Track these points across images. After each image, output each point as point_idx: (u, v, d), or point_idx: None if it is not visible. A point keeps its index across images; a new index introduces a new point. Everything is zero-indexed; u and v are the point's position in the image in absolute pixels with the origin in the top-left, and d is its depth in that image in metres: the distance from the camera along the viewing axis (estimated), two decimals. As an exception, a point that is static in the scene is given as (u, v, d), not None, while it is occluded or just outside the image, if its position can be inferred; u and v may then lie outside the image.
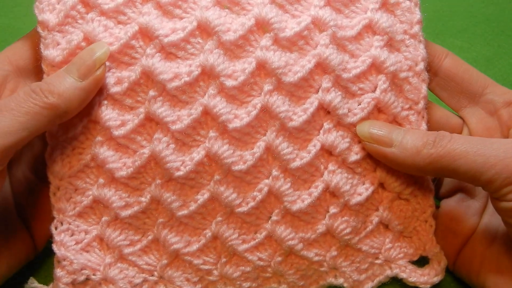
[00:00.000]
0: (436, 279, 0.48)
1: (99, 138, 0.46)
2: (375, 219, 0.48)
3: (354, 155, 0.47)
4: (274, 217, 0.47)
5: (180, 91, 0.45)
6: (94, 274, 0.47)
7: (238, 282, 0.49)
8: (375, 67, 0.47)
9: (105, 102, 0.45)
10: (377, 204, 0.49)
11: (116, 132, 0.45)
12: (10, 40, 0.72)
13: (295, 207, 0.47)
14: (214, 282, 0.49)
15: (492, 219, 0.48)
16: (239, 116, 0.45)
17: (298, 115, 0.46)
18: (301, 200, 0.47)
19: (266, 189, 0.46)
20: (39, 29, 0.45)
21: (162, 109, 0.45)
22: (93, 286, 0.48)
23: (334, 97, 0.46)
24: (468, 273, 0.48)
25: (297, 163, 0.46)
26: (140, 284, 0.49)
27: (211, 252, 0.48)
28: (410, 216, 0.49)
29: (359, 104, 0.47)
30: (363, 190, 0.48)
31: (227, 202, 0.46)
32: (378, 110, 0.48)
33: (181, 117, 0.45)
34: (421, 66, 0.48)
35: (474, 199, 0.49)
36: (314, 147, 0.47)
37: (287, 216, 0.47)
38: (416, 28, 0.48)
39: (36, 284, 0.48)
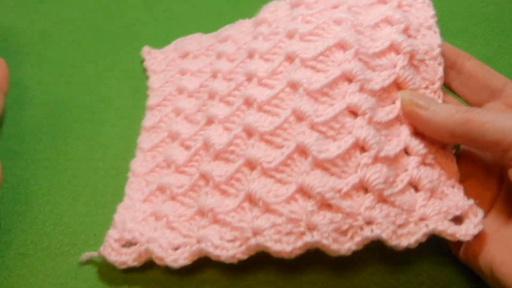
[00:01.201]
0: (475, 230, 0.47)
1: None
2: (405, 178, 0.48)
3: (379, 117, 0.49)
4: (303, 167, 0.48)
5: None
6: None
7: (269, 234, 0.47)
8: (394, 48, 0.51)
9: None
10: (405, 165, 0.49)
11: None
12: (10, 40, 0.72)
13: (323, 155, 0.48)
14: (248, 238, 0.48)
15: (504, 207, 0.49)
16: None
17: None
18: (329, 151, 0.48)
19: (293, 145, 0.49)
20: None
21: None
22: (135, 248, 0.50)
23: (355, 66, 0.50)
24: (475, 258, 0.48)
25: (322, 118, 0.49)
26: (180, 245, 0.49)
27: (244, 210, 0.49)
28: (437, 180, 0.49)
29: (380, 77, 0.50)
30: (389, 148, 0.49)
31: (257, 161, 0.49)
32: (397, 86, 0.51)
33: None
34: (437, 51, 0.51)
35: (486, 188, 0.50)
36: (339, 106, 0.49)
37: (316, 167, 0.48)
38: (431, 21, 0.53)
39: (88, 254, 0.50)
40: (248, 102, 0.53)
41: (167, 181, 0.54)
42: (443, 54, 0.52)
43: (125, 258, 0.49)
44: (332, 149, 0.48)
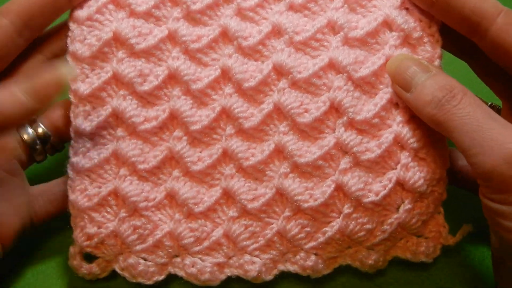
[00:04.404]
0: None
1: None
2: (393, 177, 0.48)
3: (364, 114, 0.48)
4: (282, 170, 0.48)
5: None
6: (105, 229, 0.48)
7: (245, 243, 0.49)
8: (387, 24, 0.49)
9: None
10: (395, 161, 0.49)
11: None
12: None
13: (303, 160, 0.48)
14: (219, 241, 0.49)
15: None
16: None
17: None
18: (310, 153, 0.48)
19: (272, 145, 0.48)
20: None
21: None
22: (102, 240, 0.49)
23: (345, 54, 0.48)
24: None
25: (305, 118, 0.48)
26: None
27: (221, 210, 0.50)
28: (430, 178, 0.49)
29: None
30: (375, 146, 0.48)
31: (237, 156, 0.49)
32: (395, 104, 0.49)
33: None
34: (434, 28, 0.49)
35: None
36: (323, 103, 0.48)
37: (295, 170, 0.48)
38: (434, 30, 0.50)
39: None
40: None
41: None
42: None
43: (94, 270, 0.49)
44: (314, 150, 0.48)
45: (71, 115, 0.48)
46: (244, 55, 0.50)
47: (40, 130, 0.49)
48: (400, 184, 0.49)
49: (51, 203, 0.50)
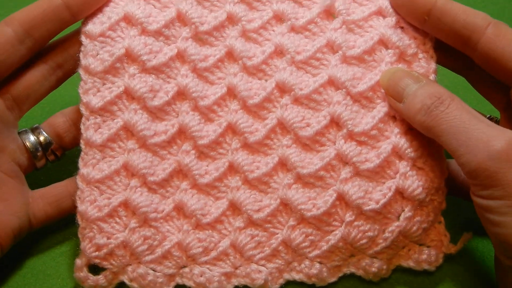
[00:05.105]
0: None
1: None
2: (392, 186, 0.50)
3: (363, 126, 0.50)
4: (286, 181, 0.50)
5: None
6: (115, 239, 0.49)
7: (251, 252, 0.51)
8: (383, 43, 0.52)
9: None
10: (394, 171, 0.50)
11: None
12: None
13: (305, 171, 0.50)
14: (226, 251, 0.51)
15: None
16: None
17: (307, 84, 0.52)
18: (312, 164, 0.50)
19: (276, 158, 0.51)
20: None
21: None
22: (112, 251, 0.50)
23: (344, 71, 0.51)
24: None
25: (307, 132, 0.50)
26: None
27: (227, 221, 0.52)
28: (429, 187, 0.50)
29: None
30: (374, 156, 0.50)
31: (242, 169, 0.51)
32: (392, 117, 0.51)
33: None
34: (428, 45, 0.51)
35: None
36: (324, 117, 0.51)
37: (299, 181, 0.51)
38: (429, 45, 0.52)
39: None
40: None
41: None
42: None
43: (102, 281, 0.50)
44: (315, 161, 0.50)
45: (82, 127, 0.50)
46: (248, 74, 0.52)
47: (42, 137, 0.52)
48: (399, 193, 0.50)
49: (50, 205, 0.51)
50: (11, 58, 0.49)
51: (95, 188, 0.50)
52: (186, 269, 0.51)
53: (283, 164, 0.51)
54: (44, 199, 0.51)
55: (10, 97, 0.50)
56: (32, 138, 0.52)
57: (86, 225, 0.49)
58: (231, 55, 0.53)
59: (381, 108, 0.51)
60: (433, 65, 0.52)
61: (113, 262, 0.50)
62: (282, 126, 0.52)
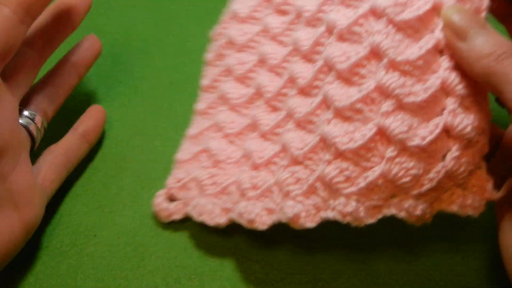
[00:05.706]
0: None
1: None
2: (440, 122, 0.46)
3: (407, 55, 0.47)
4: (325, 116, 0.50)
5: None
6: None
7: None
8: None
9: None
10: (441, 108, 0.47)
11: None
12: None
13: (341, 104, 0.49)
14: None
15: None
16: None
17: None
18: (349, 97, 0.49)
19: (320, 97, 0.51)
20: None
21: None
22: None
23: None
24: None
25: (345, 64, 0.49)
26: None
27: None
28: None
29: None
30: (420, 90, 0.47)
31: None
32: (439, 51, 0.47)
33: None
34: (483, 14, 0.48)
35: None
36: (364, 48, 0.49)
37: (338, 116, 0.49)
38: None
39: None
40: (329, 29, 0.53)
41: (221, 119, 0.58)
42: None
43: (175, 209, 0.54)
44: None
45: None
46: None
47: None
48: (446, 131, 0.47)
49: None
50: (17, 41, 0.48)
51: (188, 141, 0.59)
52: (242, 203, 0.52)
53: (325, 102, 0.50)
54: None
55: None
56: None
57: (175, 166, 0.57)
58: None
59: (429, 40, 0.47)
60: (485, 1, 0.48)
61: (184, 194, 0.55)
62: (326, 66, 0.51)
